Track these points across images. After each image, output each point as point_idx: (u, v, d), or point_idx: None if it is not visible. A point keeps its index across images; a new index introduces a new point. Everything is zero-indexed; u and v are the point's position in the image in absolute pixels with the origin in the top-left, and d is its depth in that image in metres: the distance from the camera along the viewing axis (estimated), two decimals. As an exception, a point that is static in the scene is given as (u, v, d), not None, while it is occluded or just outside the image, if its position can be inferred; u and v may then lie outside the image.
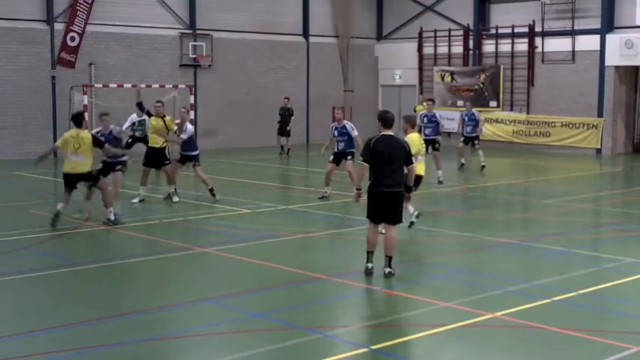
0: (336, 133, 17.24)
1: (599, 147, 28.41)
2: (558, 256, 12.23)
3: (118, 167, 15.71)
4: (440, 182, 19.51)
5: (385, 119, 10.85)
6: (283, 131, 28.01)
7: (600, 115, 28.42)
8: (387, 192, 10.57)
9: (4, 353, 7.68)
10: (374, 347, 7.89)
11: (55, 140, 26.80)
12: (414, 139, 12.96)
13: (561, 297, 9.69)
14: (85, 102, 23.64)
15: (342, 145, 17.16)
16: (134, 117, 22.36)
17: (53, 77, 26.89)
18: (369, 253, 10.79)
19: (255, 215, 15.80)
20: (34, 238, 13.36)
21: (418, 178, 12.95)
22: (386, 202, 10.63)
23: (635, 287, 10.40)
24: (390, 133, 10.74)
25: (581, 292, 9.95)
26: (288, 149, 27.86)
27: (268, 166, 24.47)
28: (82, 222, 14.79)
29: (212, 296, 9.78)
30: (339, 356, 7.66)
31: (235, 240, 13.45)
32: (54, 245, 13.09)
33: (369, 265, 10.75)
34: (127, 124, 22.29)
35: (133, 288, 10.49)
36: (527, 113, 30.33)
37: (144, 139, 20.65)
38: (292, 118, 28.25)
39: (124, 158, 15.90)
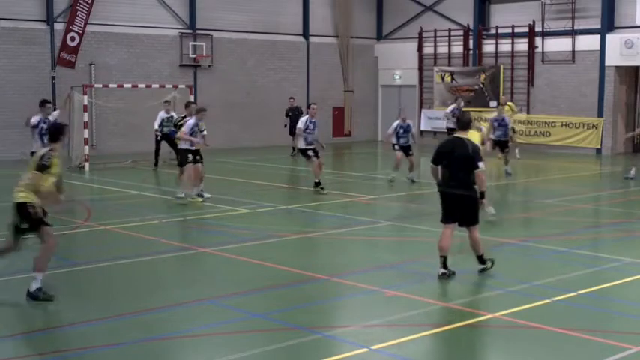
0: (401, 131, 19.75)
1: (599, 147, 28.42)
2: (558, 256, 12.23)
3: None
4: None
5: (457, 121, 11.02)
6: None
7: (600, 115, 28.44)
8: (449, 192, 10.51)
9: (4, 354, 7.68)
10: (374, 347, 7.89)
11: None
12: None
13: (561, 297, 9.69)
14: (85, 102, 23.62)
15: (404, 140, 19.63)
16: (162, 114, 23.00)
17: (53, 77, 26.91)
18: (442, 258, 10.59)
19: (255, 215, 15.81)
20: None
21: None
22: (450, 204, 10.55)
23: (635, 287, 10.40)
24: (460, 135, 10.51)
25: (581, 292, 9.95)
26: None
27: (268, 166, 24.46)
28: (82, 222, 14.79)
29: (212, 296, 9.78)
30: (339, 356, 7.67)
31: (235, 240, 13.45)
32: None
33: (442, 270, 10.55)
34: (157, 122, 22.87)
35: (132, 288, 10.49)
36: (527, 113, 30.33)
37: (168, 136, 21.18)
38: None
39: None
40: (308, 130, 18.04)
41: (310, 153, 18.16)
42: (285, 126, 27.98)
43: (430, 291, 10.02)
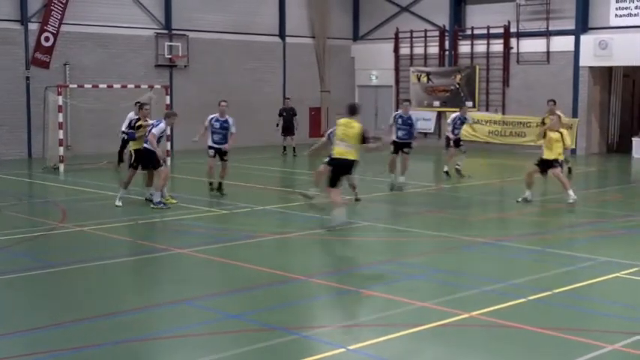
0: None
1: (573, 147, 28.58)
2: (534, 255, 12.30)
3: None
4: (399, 189, 18.97)
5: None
6: (288, 131, 28.32)
7: (575, 115, 28.65)
8: None
9: (-22, 356, 7.60)
10: (351, 347, 7.89)
11: (29, 142, 26.62)
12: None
13: (537, 296, 9.74)
14: (60, 102, 23.43)
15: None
16: (132, 115, 22.34)
17: (27, 78, 26.68)
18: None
19: (232, 216, 15.76)
20: (8, 240, 13.24)
21: None
22: None
23: (610, 286, 10.48)
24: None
25: (556, 291, 10.01)
26: (294, 148, 28.13)
27: (244, 167, 24.38)
28: (57, 223, 14.68)
29: (188, 297, 9.74)
30: (315, 357, 7.65)
31: (212, 241, 13.41)
32: (29, 247, 12.98)
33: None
34: (125, 123, 22.23)
35: (108, 290, 10.41)
36: (503, 114, 30.50)
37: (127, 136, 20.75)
38: (296, 117, 28.67)
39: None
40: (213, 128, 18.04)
41: (211, 153, 17.98)
42: (277, 125, 28.48)
43: (407, 291, 10.04)
